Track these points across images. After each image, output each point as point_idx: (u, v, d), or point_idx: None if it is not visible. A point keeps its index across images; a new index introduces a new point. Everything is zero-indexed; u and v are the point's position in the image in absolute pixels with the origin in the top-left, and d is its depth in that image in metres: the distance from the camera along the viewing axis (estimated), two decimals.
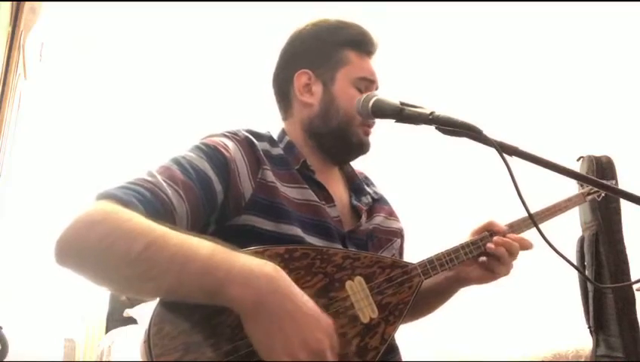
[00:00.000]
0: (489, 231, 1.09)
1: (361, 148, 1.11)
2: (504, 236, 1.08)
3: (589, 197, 1.28)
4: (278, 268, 0.72)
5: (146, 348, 0.68)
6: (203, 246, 0.71)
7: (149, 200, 0.79)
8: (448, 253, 1.02)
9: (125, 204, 0.76)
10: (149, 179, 0.83)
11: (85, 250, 0.72)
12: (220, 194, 0.91)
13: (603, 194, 1.30)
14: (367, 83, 1.10)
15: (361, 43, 1.11)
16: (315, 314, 0.71)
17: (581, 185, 1.29)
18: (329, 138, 1.09)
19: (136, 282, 0.72)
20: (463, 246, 1.05)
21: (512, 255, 1.06)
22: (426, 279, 0.96)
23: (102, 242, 0.71)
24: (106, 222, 0.72)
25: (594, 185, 1.03)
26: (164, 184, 0.83)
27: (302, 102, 1.11)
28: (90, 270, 0.74)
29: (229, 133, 1.01)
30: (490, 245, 1.06)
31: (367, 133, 1.10)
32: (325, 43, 1.11)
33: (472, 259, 1.07)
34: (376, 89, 1.14)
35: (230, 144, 0.97)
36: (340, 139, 1.08)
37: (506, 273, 1.07)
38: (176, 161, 0.90)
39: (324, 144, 1.10)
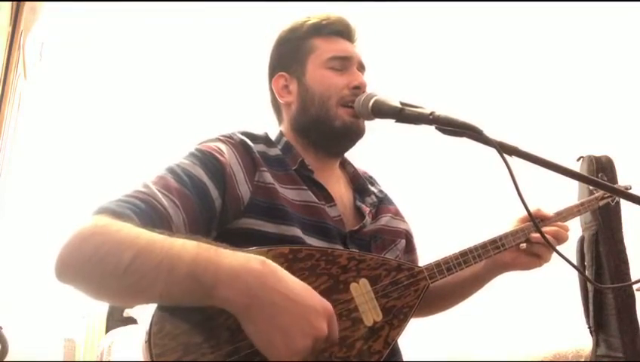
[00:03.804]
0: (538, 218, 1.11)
1: (350, 132, 1.07)
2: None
3: (603, 201, 1.26)
4: (265, 261, 0.71)
5: (146, 347, 0.68)
6: (187, 250, 0.71)
7: (143, 211, 0.80)
8: (456, 256, 1.01)
9: (120, 216, 0.76)
10: (144, 190, 0.84)
11: (81, 263, 0.73)
12: (217, 199, 0.91)
13: (617, 199, 1.28)
14: (342, 61, 1.08)
15: (324, 27, 1.11)
16: (308, 300, 0.70)
17: (594, 190, 1.27)
18: (314, 130, 1.08)
19: (130, 293, 0.74)
20: (471, 250, 1.03)
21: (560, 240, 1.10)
22: (432, 283, 0.95)
23: (95, 255, 0.72)
24: (97, 235, 0.73)
25: (594, 185, 1.03)
26: (159, 194, 0.83)
27: (284, 105, 1.12)
28: (87, 284, 0.75)
29: (223, 137, 1.01)
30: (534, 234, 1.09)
31: (353, 115, 1.06)
32: (291, 42, 1.12)
33: (487, 259, 1.06)
34: (362, 68, 1.12)
35: (225, 148, 0.97)
36: (323, 126, 1.06)
37: (549, 259, 1.10)
38: (171, 170, 0.90)
39: (312, 137, 1.09)
